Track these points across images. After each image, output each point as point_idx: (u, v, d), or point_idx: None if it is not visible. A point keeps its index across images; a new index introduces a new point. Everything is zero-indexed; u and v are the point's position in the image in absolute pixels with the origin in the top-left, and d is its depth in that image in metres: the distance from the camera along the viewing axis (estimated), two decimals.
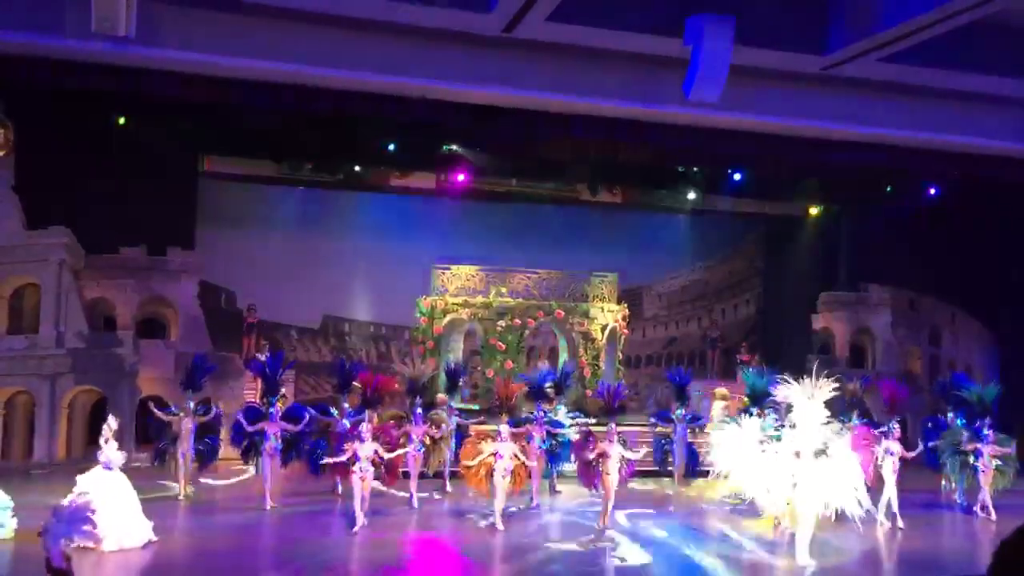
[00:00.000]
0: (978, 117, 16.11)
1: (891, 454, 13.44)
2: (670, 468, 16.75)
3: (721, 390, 19.40)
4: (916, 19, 12.36)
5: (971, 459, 14.48)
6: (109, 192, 18.80)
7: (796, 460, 10.40)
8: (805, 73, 14.61)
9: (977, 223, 22.15)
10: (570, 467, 15.19)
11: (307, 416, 14.53)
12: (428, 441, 14.64)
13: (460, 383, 17.26)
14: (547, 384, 16.17)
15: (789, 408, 10.87)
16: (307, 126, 18.64)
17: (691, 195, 24.30)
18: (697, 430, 17.00)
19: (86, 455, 18.45)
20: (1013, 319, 23.13)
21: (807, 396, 10.40)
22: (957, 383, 16.39)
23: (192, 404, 14.53)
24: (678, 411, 16.84)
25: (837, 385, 10.76)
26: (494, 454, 12.12)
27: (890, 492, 13.29)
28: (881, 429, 13.98)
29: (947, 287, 23.30)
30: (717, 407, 18.38)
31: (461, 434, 15.33)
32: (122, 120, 19.00)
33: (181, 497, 14.08)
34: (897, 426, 13.97)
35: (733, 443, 12.29)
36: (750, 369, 17.86)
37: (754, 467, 11.21)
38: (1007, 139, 16.66)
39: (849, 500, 10.39)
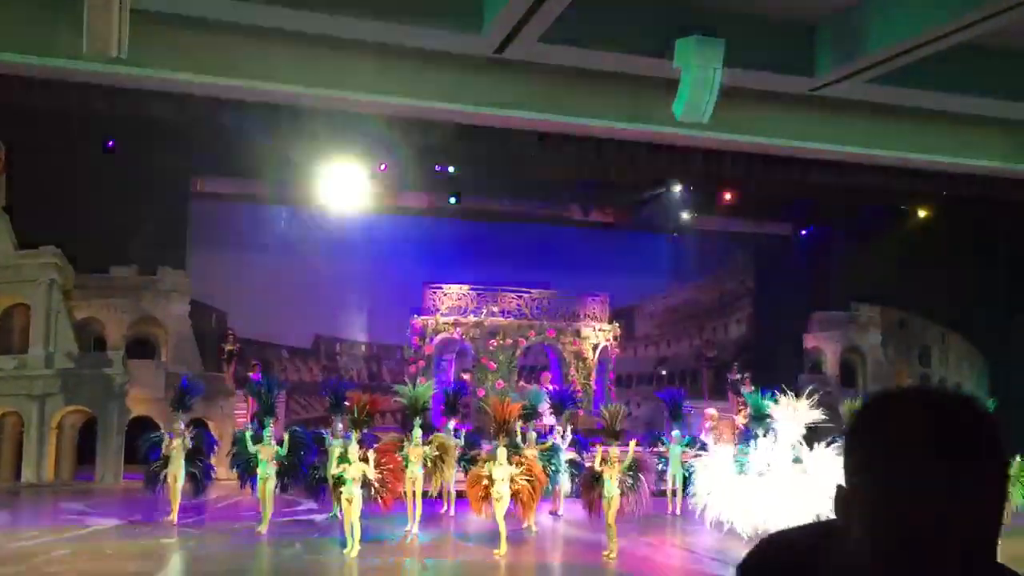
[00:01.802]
0: (964, 138, 16.24)
1: None
2: (663, 488, 16.73)
3: (710, 410, 19.41)
4: (902, 42, 12.50)
5: None
6: (100, 212, 18.79)
7: (771, 475, 10.37)
8: (794, 94, 14.72)
9: (965, 243, 22.28)
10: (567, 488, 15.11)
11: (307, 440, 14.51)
12: (428, 463, 14.44)
13: (458, 404, 17.20)
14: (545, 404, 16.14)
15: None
16: (298, 146, 18.67)
17: (684, 215, 24.43)
18: (691, 451, 16.90)
19: (74, 476, 18.37)
20: (1001, 338, 23.24)
21: (791, 412, 10.42)
22: None
23: (183, 425, 14.45)
24: (674, 432, 16.79)
25: (820, 411, 10.70)
26: (488, 477, 12.05)
27: None
28: None
29: (936, 306, 23.42)
30: (707, 427, 18.39)
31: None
32: (113, 140, 19.03)
33: (174, 520, 13.94)
34: None
35: (716, 467, 12.25)
36: (748, 390, 17.81)
37: (733, 491, 11.17)
38: (993, 159, 16.80)
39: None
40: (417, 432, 14.31)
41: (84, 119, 16.46)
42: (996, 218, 21.48)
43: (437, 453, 14.43)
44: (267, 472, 13.50)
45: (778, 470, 10.36)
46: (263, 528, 13.29)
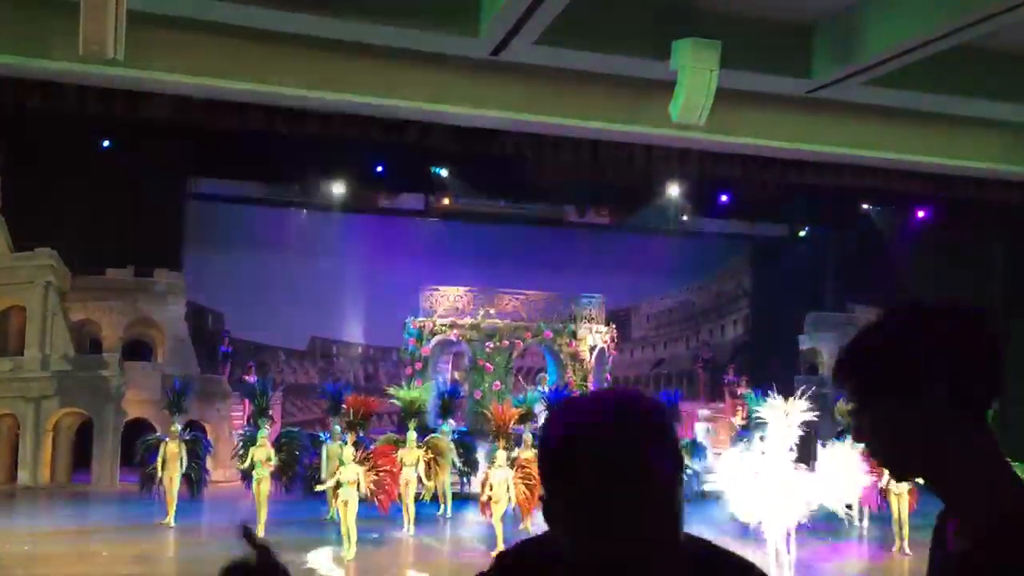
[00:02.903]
0: (961, 140, 16.28)
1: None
2: None
3: (703, 411, 19.39)
4: (898, 44, 12.52)
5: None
6: (96, 214, 18.77)
7: (765, 476, 10.34)
8: (790, 96, 14.75)
9: (962, 244, 22.32)
10: None
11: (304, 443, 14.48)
12: (424, 466, 14.40)
13: (454, 406, 17.17)
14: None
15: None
16: (295, 147, 18.67)
17: (683, 216, 24.45)
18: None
19: (71, 478, 18.34)
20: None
21: (784, 413, 10.40)
22: None
23: (179, 427, 14.43)
24: None
25: (812, 410, 10.68)
26: (484, 481, 12.03)
27: (901, 516, 13.18)
28: None
29: None
30: (700, 429, 18.37)
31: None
32: (109, 142, 19.00)
33: (170, 523, 13.89)
34: None
35: (731, 467, 12.23)
36: (744, 391, 17.80)
37: (747, 491, 11.16)
38: (989, 161, 16.84)
39: (835, 505, 10.38)
40: (412, 435, 14.24)
41: (80, 120, 16.43)
42: (992, 220, 21.50)
43: (432, 456, 14.36)
44: (261, 474, 13.47)
45: (772, 470, 10.35)
46: (260, 531, 13.24)
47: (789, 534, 11.37)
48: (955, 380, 1.45)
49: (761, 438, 14.42)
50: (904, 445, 1.47)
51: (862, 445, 1.55)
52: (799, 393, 10.52)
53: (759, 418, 14.97)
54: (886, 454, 1.50)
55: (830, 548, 12.61)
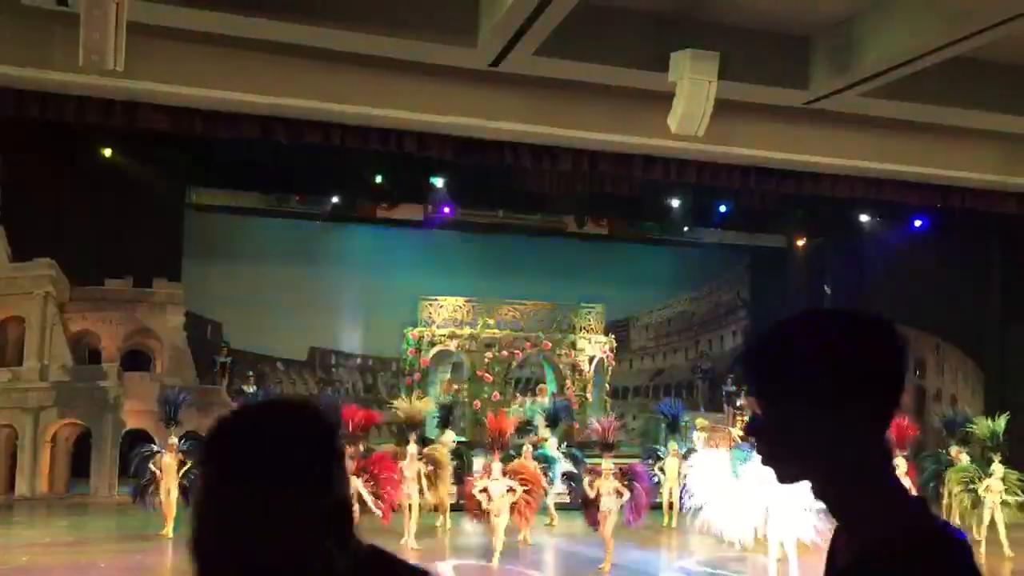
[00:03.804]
0: (958, 150, 16.34)
1: None
2: (658, 500, 16.65)
3: (701, 420, 19.32)
4: (896, 55, 12.58)
5: (981, 495, 14.04)
6: (95, 224, 18.79)
7: (765, 489, 10.30)
8: (789, 107, 14.80)
9: (960, 254, 22.35)
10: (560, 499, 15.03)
11: None
12: (424, 479, 13.99)
13: (454, 417, 17.07)
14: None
15: None
16: (294, 158, 18.70)
17: (680, 227, 24.48)
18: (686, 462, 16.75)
19: (68, 489, 18.29)
20: (997, 349, 23.29)
21: None
22: (964, 418, 16.06)
23: (176, 439, 14.37)
24: (671, 444, 16.72)
25: None
26: (484, 491, 11.97)
27: None
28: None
29: (931, 317, 23.46)
30: (699, 437, 18.30)
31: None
32: (108, 152, 19.02)
33: (168, 534, 13.81)
34: (904, 462, 13.64)
35: (708, 474, 12.16)
36: (743, 402, 17.76)
37: (726, 498, 11.10)
38: (986, 171, 16.89)
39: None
40: (412, 447, 14.08)
41: (79, 131, 16.46)
42: (989, 230, 21.55)
43: (431, 468, 14.21)
44: None
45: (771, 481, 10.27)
46: None
47: (788, 549, 11.29)
48: (858, 390, 1.42)
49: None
50: (796, 449, 1.44)
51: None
52: None
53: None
54: (777, 455, 1.46)
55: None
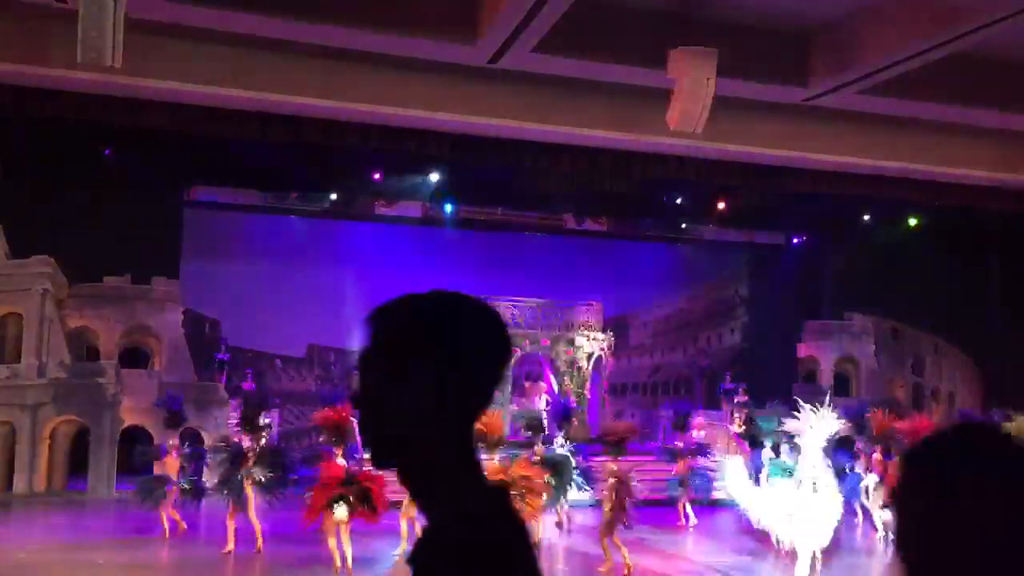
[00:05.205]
0: (956, 148, 16.34)
1: None
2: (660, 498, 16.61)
3: (697, 419, 19.27)
4: (894, 53, 12.58)
5: None
6: (93, 221, 18.75)
7: (796, 491, 10.29)
8: (787, 104, 14.81)
9: (957, 252, 22.37)
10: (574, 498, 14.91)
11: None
12: None
13: None
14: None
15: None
16: (293, 155, 18.69)
17: (678, 224, 24.48)
18: (700, 458, 16.57)
19: (67, 486, 18.29)
20: (994, 347, 23.31)
21: (808, 427, 10.26)
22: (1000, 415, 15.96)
23: (176, 440, 14.31)
24: (678, 443, 16.68)
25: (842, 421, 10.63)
26: None
27: None
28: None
29: (929, 315, 23.49)
30: (696, 436, 18.27)
31: None
32: (107, 149, 19.00)
33: (167, 534, 13.78)
34: None
35: (742, 475, 12.17)
36: (742, 399, 17.69)
37: (761, 499, 11.11)
38: (984, 169, 16.90)
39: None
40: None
41: (77, 128, 16.44)
42: (987, 228, 21.58)
43: None
44: (254, 485, 13.30)
45: (811, 482, 10.23)
46: (259, 544, 13.08)
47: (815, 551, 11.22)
48: (455, 375, 1.41)
49: (774, 451, 14.27)
50: (391, 427, 1.42)
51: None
52: (828, 404, 10.35)
53: (778, 432, 14.64)
54: (373, 433, 1.45)
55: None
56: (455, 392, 1.42)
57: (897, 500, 1.39)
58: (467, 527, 1.34)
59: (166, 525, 13.80)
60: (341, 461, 12.04)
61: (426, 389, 1.40)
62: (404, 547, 12.91)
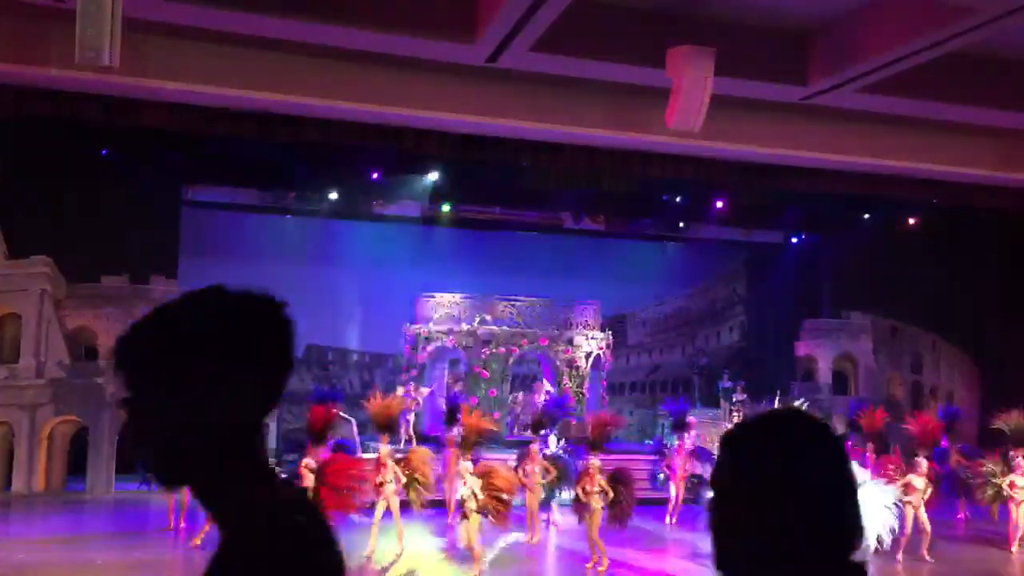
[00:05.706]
0: (954, 146, 16.35)
1: (916, 488, 12.98)
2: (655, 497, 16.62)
3: (691, 418, 19.20)
4: (893, 51, 12.58)
5: (1005, 490, 13.87)
6: (92, 221, 18.73)
7: None
8: (785, 103, 14.80)
9: (956, 250, 22.38)
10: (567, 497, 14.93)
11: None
12: (404, 480, 12.97)
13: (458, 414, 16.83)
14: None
15: None
16: (291, 155, 18.67)
17: (676, 223, 24.48)
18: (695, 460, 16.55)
19: (65, 486, 18.28)
20: (993, 345, 23.33)
21: None
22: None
23: None
24: (676, 442, 16.65)
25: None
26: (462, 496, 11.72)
27: (922, 526, 13.02)
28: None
29: (928, 314, 23.50)
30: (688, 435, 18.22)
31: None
32: (105, 149, 18.97)
33: (171, 527, 13.77)
34: (924, 460, 13.55)
35: None
36: (740, 398, 17.69)
37: None
38: (983, 167, 16.90)
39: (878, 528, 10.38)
40: (385, 449, 12.95)
41: (75, 128, 16.42)
42: (986, 226, 21.59)
43: (409, 472, 12.99)
44: None
45: None
46: None
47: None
48: (234, 378, 1.33)
49: None
50: (175, 445, 1.33)
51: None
52: (798, 403, 10.43)
53: None
54: (157, 456, 1.36)
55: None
56: (238, 397, 1.33)
57: (712, 475, 1.53)
58: (257, 539, 1.29)
59: (171, 518, 13.73)
60: (310, 461, 11.92)
61: (208, 395, 1.31)
62: (374, 544, 12.40)
